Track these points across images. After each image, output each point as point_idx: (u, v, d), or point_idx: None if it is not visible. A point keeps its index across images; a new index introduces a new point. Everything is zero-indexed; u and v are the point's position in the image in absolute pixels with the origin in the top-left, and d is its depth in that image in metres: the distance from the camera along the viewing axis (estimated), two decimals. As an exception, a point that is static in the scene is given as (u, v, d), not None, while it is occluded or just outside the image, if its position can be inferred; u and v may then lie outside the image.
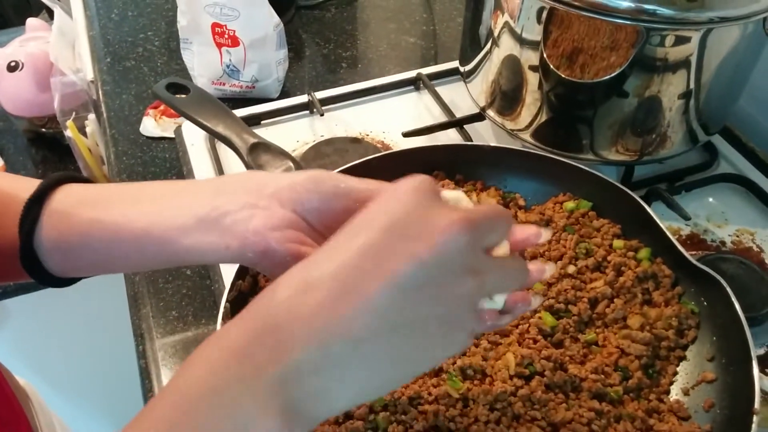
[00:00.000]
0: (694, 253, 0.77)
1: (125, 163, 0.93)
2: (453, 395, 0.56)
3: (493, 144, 0.86)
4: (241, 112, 0.93)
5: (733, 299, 0.58)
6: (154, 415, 0.36)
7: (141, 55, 1.11)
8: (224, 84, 0.99)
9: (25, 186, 0.51)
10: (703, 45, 0.70)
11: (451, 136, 0.91)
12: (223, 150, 0.87)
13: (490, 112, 0.86)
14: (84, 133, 1.24)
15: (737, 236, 0.80)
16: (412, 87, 1.01)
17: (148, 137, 0.96)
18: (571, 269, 0.66)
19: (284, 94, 1.01)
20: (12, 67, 1.25)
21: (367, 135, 0.93)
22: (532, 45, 0.75)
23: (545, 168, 0.73)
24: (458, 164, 0.75)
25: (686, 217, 0.77)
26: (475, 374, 0.58)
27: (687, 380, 0.60)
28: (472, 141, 0.89)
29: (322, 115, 0.94)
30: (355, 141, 0.92)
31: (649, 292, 0.64)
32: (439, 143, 0.85)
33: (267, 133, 0.93)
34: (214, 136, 0.77)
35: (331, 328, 0.36)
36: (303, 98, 0.97)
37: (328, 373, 0.36)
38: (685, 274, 0.64)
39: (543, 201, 0.73)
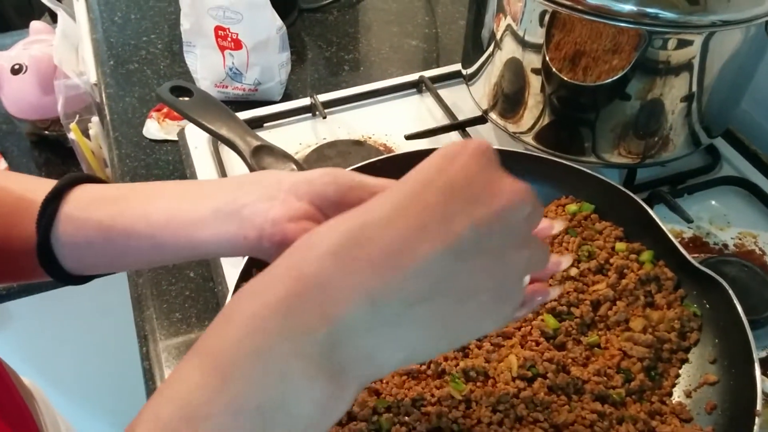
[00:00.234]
0: (696, 255, 0.77)
1: (128, 165, 0.93)
2: (456, 397, 0.56)
3: (495, 147, 0.86)
4: (243, 115, 0.93)
5: (736, 302, 0.58)
6: (185, 383, 0.34)
7: (144, 58, 1.11)
8: (227, 87, 0.99)
9: (43, 187, 0.51)
10: (706, 48, 0.70)
11: (453, 139, 0.91)
12: (227, 153, 0.87)
13: (493, 115, 0.87)
14: (87, 136, 1.24)
15: (740, 239, 0.80)
16: (414, 90, 1.01)
17: (151, 140, 0.97)
18: (574, 272, 0.66)
19: (287, 97, 1.02)
20: (16, 70, 1.25)
21: (370, 138, 0.93)
22: (535, 48, 0.75)
23: (547, 171, 0.73)
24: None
25: (689, 220, 0.77)
26: (478, 376, 0.58)
27: (689, 382, 0.60)
28: (474, 144, 0.89)
29: (324, 117, 0.94)
30: (358, 144, 0.92)
31: (651, 295, 0.64)
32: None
33: (270, 135, 0.93)
34: (217, 138, 0.77)
35: (385, 287, 0.34)
36: (306, 101, 0.98)
37: (379, 333, 0.34)
38: (688, 277, 0.64)
39: (545, 203, 0.73)
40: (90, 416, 1.47)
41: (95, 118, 1.22)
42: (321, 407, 0.34)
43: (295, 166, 0.74)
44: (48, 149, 1.36)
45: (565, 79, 0.75)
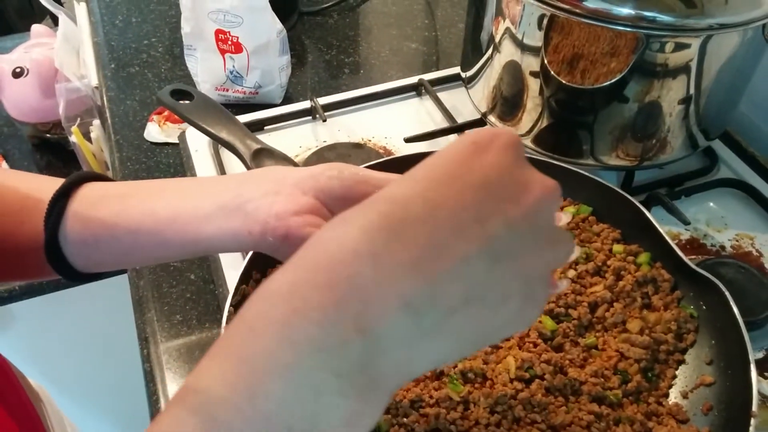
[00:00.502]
0: (693, 257, 0.77)
1: (129, 168, 0.94)
2: (454, 398, 0.57)
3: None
4: (244, 118, 0.94)
5: (732, 303, 0.59)
6: (209, 395, 0.30)
7: (145, 61, 1.11)
8: (227, 90, 1.00)
9: (51, 185, 0.52)
10: (703, 51, 0.70)
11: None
12: (227, 156, 0.87)
13: (492, 118, 0.87)
14: (89, 139, 1.25)
15: (737, 240, 0.81)
16: (414, 93, 1.02)
17: (152, 143, 0.97)
18: (571, 273, 0.66)
19: (287, 100, 1.02)
20: (17, 74, 1.26)
21: (370, 140, 0.94)
22: (533, 51, 0.76)
23: (546, 173, 0.72)
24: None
25: (686, 222, 0.78)
26: (476, 377, 0.59)
27: (686, 383, 0.60)
28: (473, 146, 0.89)
29: (324, 120, 0.94)
30: (358, 146, 0.92)
31: (648, 297, 0.65)
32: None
33: (270, 138, 0.94)
34: (217, 141, 0.78)
35: (424, 292, 0.31)
36: (306, 104, 0.98)
37: (417, 345, 0.32)
38: (684, 279, 0.64)
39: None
40: (93, 418, 1.47)
41: (96, 121, 1.22)
42: (351, 425, 0.31)
43: (294, 169, 0.74)
44: (49, 152, 1.37)
45: (564, 81, 0.75)
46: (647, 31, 0.68)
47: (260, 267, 0.64)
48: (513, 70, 0.80)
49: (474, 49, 0.87)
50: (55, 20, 1.34)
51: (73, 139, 1.23)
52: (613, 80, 0.73)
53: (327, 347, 0.30)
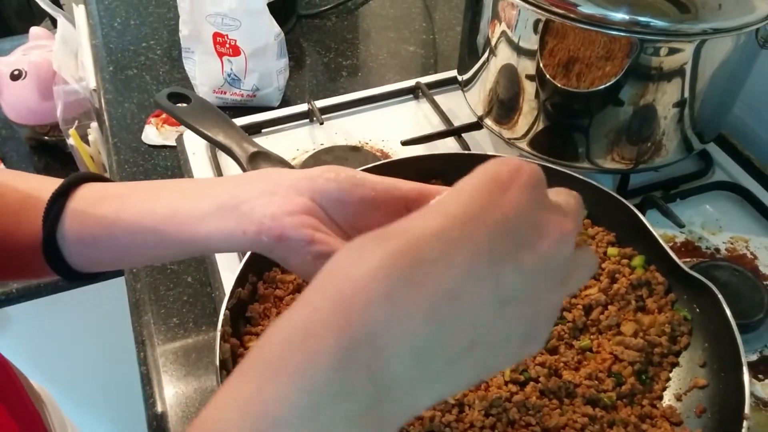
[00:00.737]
0: (688, 260, 0.78)
1: (127, 171, 0.94)
2: (449, 401, 0.57)
3: (490, 153, 0.87)
4: (241, 121, 0.94)
5: (725, 306, 0.59)
6: None
7: (143, 64, 1.12)
8: (225, 93, 1.00)
9: (50, 185, 0.52)
10: (697, 55, 0.71)
11: (449, 145, 0.92)
12: (224, 159, 0.88)
13: (488, 121, 0.87)
14: (86, 141, 1.25)
15: (731, 243, 0.81)
16: (411, 96, 1.02)
17: (149, 145, 0.97)
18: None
19: (285, 103, 1.03)
20: (15, 76, 1.26)
21: (367, 143, 0.94)
22: (529, 55, 0.76)
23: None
24: (456, 173, 0.75)
25: (680, 225, 0.78)
26: (471, 380, 0.59)
27: (679, 386, 0.61)
28: (470, 150, 0.90)
29: (321, 123, 0.95)
30: (355, 149, 0.93)
31: (642, 299, 0.65)
32: (438, 152, 0.86)
33: (267, 141, 0.94)
34: (214, 145, 0.78)
35: (431, 339, 0.31)
36: (303, 107, 0.98)
37: (420, 388, 0.32)
38: (678, 282, 0.65)
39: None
40: (92, 420, 1.47)
41: (94, 124, 1.23)
42: None
43: (291, 172, 0.74)
44: (47, 154, 1.37)
45: (559, 85, 0.76)
46: (641, 36, 0.68)
47: (256, 270, 0.64)
48: (509, 73, 0.80)
49: (470, 52, 0.87)
50: (53, 22, 1.34)
51: (70, 141, 1.23)
52: (608, 84, 0.73)
53: (341, 394, 0.30)
